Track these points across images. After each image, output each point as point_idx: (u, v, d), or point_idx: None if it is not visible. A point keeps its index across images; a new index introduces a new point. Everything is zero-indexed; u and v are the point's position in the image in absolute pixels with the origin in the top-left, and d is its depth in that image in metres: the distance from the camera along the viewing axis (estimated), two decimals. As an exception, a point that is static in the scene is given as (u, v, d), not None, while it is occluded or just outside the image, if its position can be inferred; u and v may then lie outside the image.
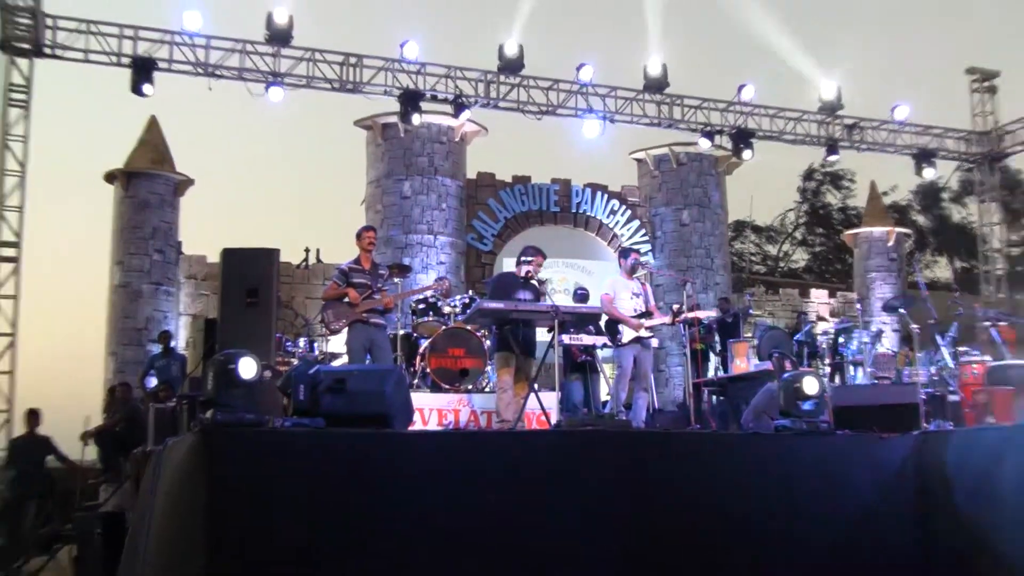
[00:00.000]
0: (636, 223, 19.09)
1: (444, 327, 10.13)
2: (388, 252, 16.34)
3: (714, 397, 11.59)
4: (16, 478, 11.44)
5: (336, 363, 10.67)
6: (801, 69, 17.18)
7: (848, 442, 7.07)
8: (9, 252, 12.53)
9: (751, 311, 15.12)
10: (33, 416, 11.81)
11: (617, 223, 19.00)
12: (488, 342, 9.50)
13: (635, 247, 17.45)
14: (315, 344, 12.12)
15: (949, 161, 19.30)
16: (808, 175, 35.72)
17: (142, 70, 13.57)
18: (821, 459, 6.81)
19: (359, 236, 9.01)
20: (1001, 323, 11.79)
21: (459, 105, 15.28)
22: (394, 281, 10.03)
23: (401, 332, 10.20)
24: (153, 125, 16.67)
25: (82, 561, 8.36)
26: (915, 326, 10.85)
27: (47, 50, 13.42)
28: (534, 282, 8.45)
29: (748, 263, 34.68)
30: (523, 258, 8.56)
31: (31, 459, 11.54)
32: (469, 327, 9.90)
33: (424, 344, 9.92)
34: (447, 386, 9.45)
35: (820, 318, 19.33)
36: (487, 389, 9.45)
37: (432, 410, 8.99)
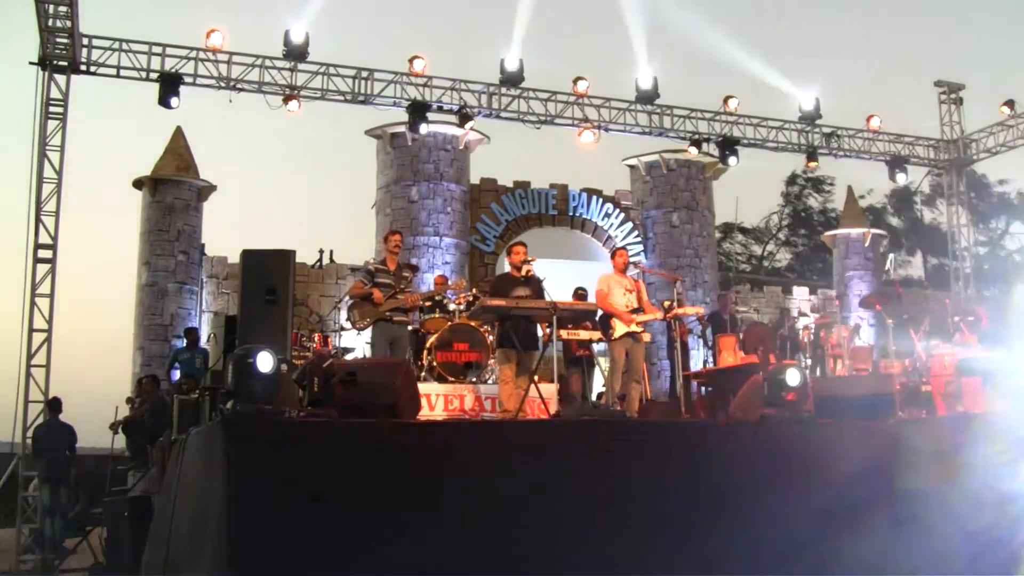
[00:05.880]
0: (629, 225, 19.04)
1: (450, 323, 10.11)
2: (397, 252, 16.31)
3: (703, 388, 11.55)
4: (43, 466, 11.39)
5: (348, 357, 10.65)
6: (782, 82, 17.11)
7: (828, 429, 7.04)
8: (46, 254, 12.49)
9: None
10: (55, 404, 11.75)
11: (611, 225, 18.94)
12: (491, 337, 9.46)
13: (628, 248, 17.41)
14: (328, 339, 12.09)
15: (920, 167, 19.25)
16: (791, 180, 35.67)
17: (169, 84, 13.56)
18: (803, 446, 6.79)
19: (385, 239, 9.15)
20: (970, 318, 11.75)
21: (463, 115, 15.24)
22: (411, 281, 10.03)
23: (409, 328, 10.16)
24: (179, 135, 16.63)
25: (112, 541, 8.36)
26: (890, 321, 10.82)
27: (83, 67, 13.41)
28: (534, 276, 8.41)
29: (735, 262, 34.62)
30: (509, 257, 8.56)
31: (54, 446, 11.48)
32: (473, 323, 9.87)
33: (431, 339, 9.88)
34: (452, 379, 9.42)
35: (802, 314, 19.26)
36: (490, 381, 9.41)
37: (439, 396, 8.95)
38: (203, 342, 14.59)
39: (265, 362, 5.78)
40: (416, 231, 16.90)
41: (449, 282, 12.19)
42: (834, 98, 17.49)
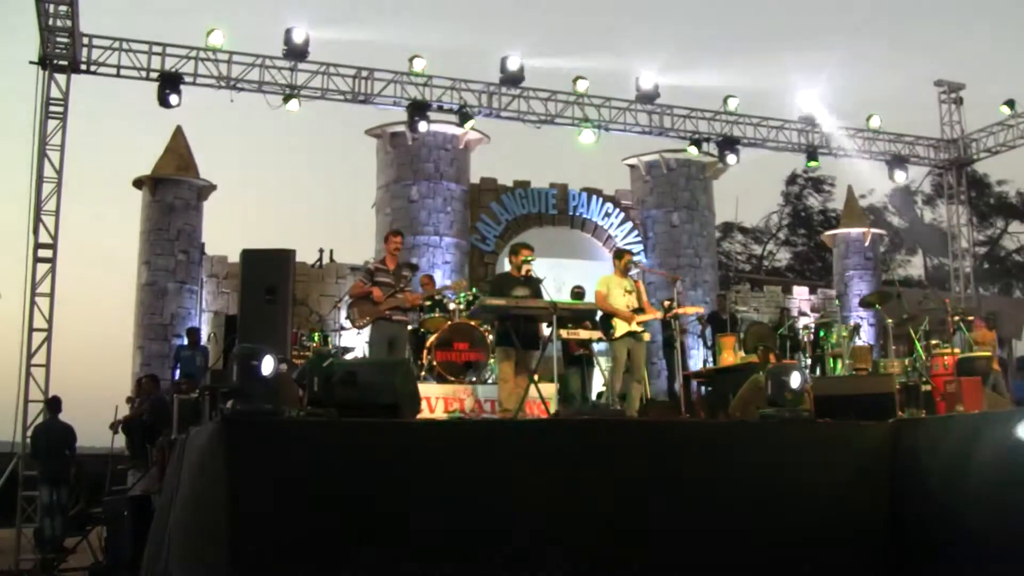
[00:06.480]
0: (629, 225, 19.03)
1: (449, 323, 10.11)
2: (398, 253, 16.31)
3: (703, 388, 11.56)
4: (43, 466, 11.37)
5: (348, 356, 10.65)
6: (782, 81, 17.14)
7: (828, 429, 7.05)
8: (46, 254, 12.49)
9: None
10: (53, 404, 11.74)
11: (612, 225, 18.93)
12: (491, 336, 9.47)
13: (628, 247, 17.42)
14: (329, 339, 12.09)
15: (920, 167, 19.28)
16: (791, 180, 35.70)
17: (169, 83, 13.57)
18: (803, 445, 6.79)
19: (386, 239, 9.18)
20: (969, 317, 11.77)
21: (463, 115, 15.25)
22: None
23: (409, 328, 10.17)
24: (179, 134, 16.62)
25: (111, 541, 8.34)
26: (890, 320, 10.83)
27: (83, 66, 13.42)
28: (533, 276, 8.41)
29: (735, 262, 34.63)
30: (511, 257, 8.57)
31: (54, 446, 11.46)
32: (473, 323, 9.88)
33: (431, 339, 9.89)
34: (452, 378, 9.43)
35: (801, 313, 19.27)
36: (490, 381, 9.42)
37: (439, 398, 8.94)
38: (203, 342, 14.61)
39: (268, 366, 5.81)
40: (416, 231, 16.88)
41: (446, 281, 12.23)
42: (834, 98, 17.51)
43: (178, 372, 13.15)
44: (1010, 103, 16.97)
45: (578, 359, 10.52)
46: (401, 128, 16.73)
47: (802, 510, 6.47)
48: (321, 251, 17.97)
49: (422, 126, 15.14)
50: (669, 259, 18.59)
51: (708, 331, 13.45)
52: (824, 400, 7.57)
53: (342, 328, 11.87)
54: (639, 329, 9.04)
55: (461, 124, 15.60)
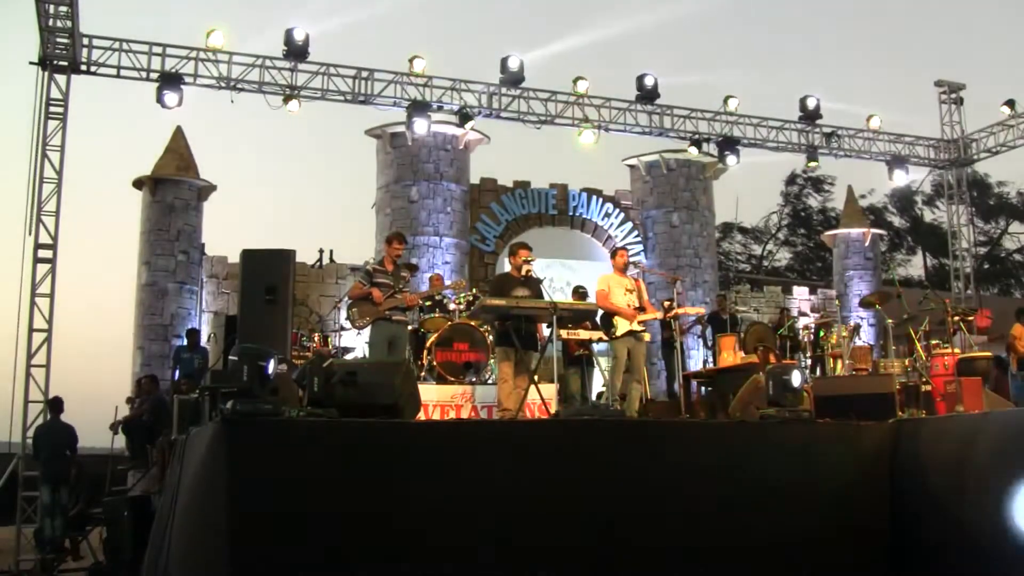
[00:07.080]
0: (629, 225, 19.03)
1: (450, 323, 10.11)
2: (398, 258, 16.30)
3: (703, 388, 11.55)
4: (43, 466, 11.37)
5: (348, 357, 10.66)
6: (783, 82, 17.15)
7: (828, 430, 7.05)
8: (46, 254, 12.48)
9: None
10: (55, 404, 11.74)
11: (611, 225, 18.94)
12: (491, 336, 9.46)
13: (628, 247, 17.41)
14: (329, 339, 12.09)
15: (921, 167, 19.28)
16: (791, 180, 35.68)
17: (169, 84, 13.56)
18: (803, 445, 6.79)
19: (388, 242, 9.17)
20: (968, 317, 11.75)
21: (463, 115, 15.24)
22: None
23: (409, 328, 10.18)
24: (179, 135, 16.62)
25: (111, 542, 8.33)
26: (890, 320, 10.83)
27: (83, 67, 13.41)
28: (533, 276, 8.42)
29: (735, 262, 34.62)
30: (511, 258, 8.57)
31: (55, 446, 11.45)
32: (473, 323, 9.88)
33: (431, 339, 9.89)
34: (452, 378, 9.42)
35: (801, 313, 19.26)
36: (490, 381, 9.41)
37: (436, 406, 8.90)
38: (203, 342, 14.61)
39: (272, 368, 5.84)
40: (416, 231, 16.88)
41: (447, 281, 12.24)
42: (834, 98, 17.53)
43: (178, 373, 13.15)
44: (1010, 103, 16.98)
45: (578, 359, 10.52)
46: (401, 128, 16.71)
47: (802, 510, 6.47)
48: (321, 251, 17.99)
49: (422, 126, 15.13)
50: (669, 259, 18.60)
51: (708, 331, 13.45)
52: (824, 400, 7.57)
53: (342, 328, 11.87)
54: (640, 328, 9.05)
55: (461, 124, 15.60)
